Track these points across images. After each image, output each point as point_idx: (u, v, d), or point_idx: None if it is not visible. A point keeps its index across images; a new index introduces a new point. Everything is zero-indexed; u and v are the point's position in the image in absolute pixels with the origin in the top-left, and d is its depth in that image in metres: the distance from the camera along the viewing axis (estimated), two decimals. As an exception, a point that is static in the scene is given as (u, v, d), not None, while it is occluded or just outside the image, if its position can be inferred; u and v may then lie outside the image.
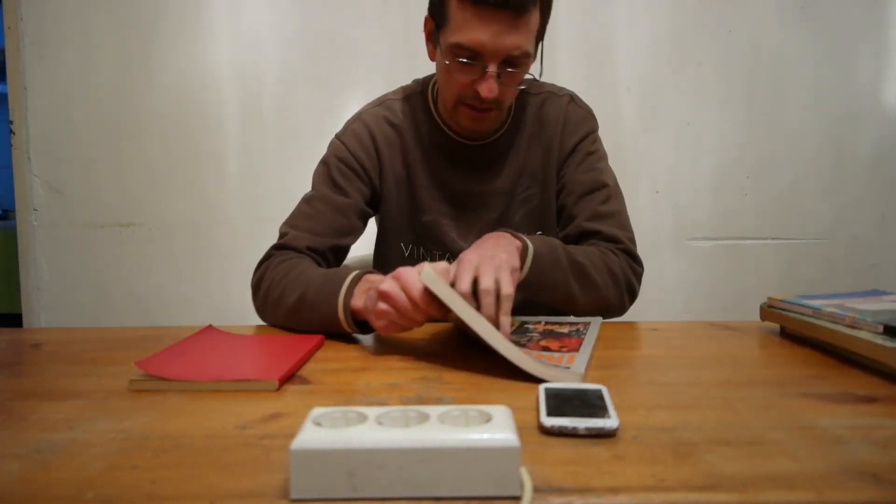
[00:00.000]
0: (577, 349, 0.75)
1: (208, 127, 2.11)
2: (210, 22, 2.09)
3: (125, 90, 2.10)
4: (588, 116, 1.15)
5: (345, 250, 1.09)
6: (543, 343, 0.78)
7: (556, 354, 0.73)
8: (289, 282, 0.93)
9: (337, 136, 1.13)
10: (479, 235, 1.06)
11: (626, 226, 1.07)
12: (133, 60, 2.09)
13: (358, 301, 0.84)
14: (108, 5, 2.08)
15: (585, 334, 0.82)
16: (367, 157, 1.10)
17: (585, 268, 0.94)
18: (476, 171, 1.12)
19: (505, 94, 0.99)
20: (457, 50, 0.95)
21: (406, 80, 1.18)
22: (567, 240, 1.07)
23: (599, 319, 0.92)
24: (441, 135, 1.11)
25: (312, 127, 2.08)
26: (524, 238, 0.90)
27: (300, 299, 0.90)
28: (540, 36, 0.99)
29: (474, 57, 0.94)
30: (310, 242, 1.03)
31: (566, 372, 0.66)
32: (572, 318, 0.93)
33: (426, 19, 1.03)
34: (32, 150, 2.13)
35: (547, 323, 0.89)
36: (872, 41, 2.08)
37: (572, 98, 1.15)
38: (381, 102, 1.14)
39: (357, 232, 1.10)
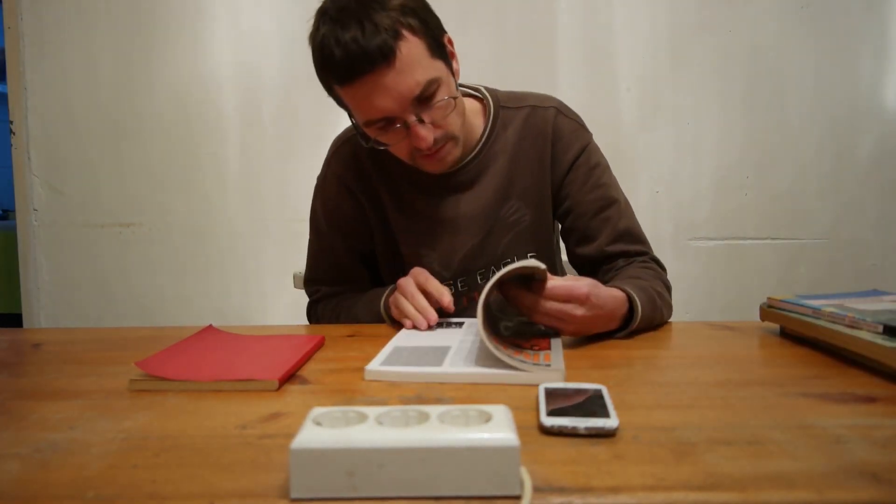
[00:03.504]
0: (548, 347, 0.75)
1: (208, 127, 2.11)
2: (210, 22, 2.09)
3: (125, 90, 2.10)
4: (580, 128, 1.08)
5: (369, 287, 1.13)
6: (514, 341, 0.78)
7: (531, 352, 0.73)
8: (342, 316, 1.08)
9: (320, 183, 1.13)
10: (461, 263, 1.06)
11: (643, 237, 1.07)
12: (133, 60, 2.10)
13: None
14: (108, 5, 2.08)
15: (551, 333, 0.83)
16: (349, 207, 1.09)
17: (664, 296, 0.94)
18: (447, 197, 1.05)
19: (444, 126, 0.93)
20: (372, 125, 0.91)
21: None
22: (589, 261, 1.06)
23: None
24: (407, 166, 1.02)
25: (312, 127, 2.08)
26: (634, 300, 0.85)
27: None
28: (435, 49, 0.90)
29: (391, 121, 0.90)
30: (339, 290, 1.12)
31: (548, 370, 0.66)
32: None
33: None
34: (32, 150, 2.13)
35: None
36: (872, 41, 2.08)
37: (559, 110, 1.07)
38: (348, 139, 1.10)
39: (366, 272, 1.16)
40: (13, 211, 2.25)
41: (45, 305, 2.18)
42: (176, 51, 2.09)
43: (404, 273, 1.01)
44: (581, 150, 1.06)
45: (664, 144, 2.10)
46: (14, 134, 2.12)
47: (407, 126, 0.90)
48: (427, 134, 0.90)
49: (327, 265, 1.14)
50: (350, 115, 0.96)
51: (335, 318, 1.10)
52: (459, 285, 1.08)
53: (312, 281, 1.16)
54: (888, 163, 2.12)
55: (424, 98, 0.89)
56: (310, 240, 1.16)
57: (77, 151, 2.12)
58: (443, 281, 1.02)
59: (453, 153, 0.98)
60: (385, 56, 0.83)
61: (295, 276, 1.32)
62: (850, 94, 2.10)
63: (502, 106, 1.08)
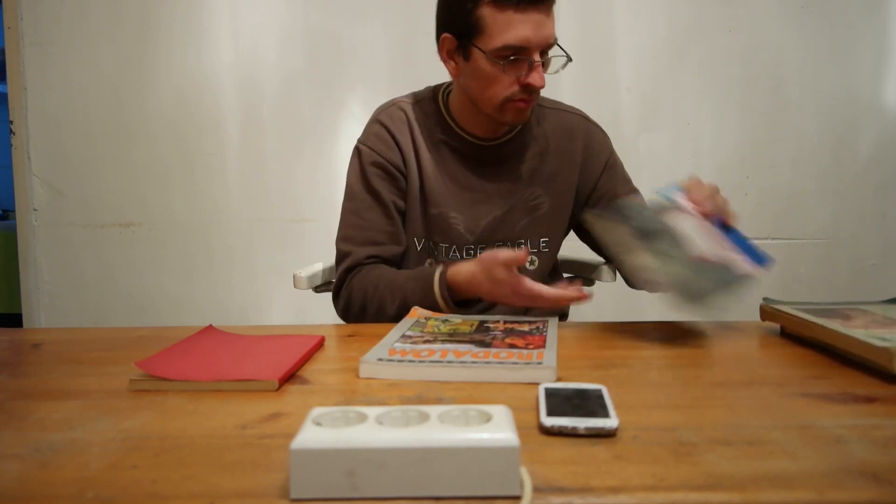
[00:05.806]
0: (542, 346, 0.76)
1: (208, 127, 2.11)
2: (210, 22, 2.09)
3: (125, 90, 2.10)
4: (606, 136, 1.23)
5: (401, 255, 1.15)
6: (509, 341, 0.79)
7: (525, 351, 0.73)
8: (383, 291, 1.04)
9: (362, 143, 1.16)
10: (484, 230, 1.15)
11: None
12: (133, 60, 2.09)
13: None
14: (108, 5, 2.08)
15: (546, 332, 0.83)
16: (393, 154, 1.14)
17: None
18: (483, 168, 1.15)
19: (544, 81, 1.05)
20: (503, 51, 0.99)
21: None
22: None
23: (556, 318, 0.93)
24: (451, 132, 1.15)
25: (312, 127, 2.08)
26: None
27: (401, 305, 1.01)
28: None
29: (518, 53, 1.00)
30: (372, 252, 1.10)
31: (539, 368, 0.67)
32: (530, 317, 0.94)
33: (444, 39, 1.05)
34: (32, 150, 2.13)
35: (506, 322, 0.90)
36: (872, 41, 2.08)
37: (585, 117, 1.22)
38: (394, 103, 1.18)
39: (401, 233, 1.16)
40: (13, 211, 2.25)
41: (45, 305, 2.18)
42: (175, 50, 2.09)
43: (428, 237, 1.15)
44: (610, 153, 1.22)
45: (664, 144, 2.10)
46: (14, 134, 2.12)
47: (530, 64, 1.00)
48: (543, 76, 1.02)
49: (363, 223, 1.12)
50: (464, 42, 1.03)
51: (373, 289, 1.05)
52: (479, 251, 1.15)
53: (345, 240, 1.13)
54: (888, 162, 2.11)
55: (546, 51, 1.03)
56: (343, 207, 1.16)
57: (77, 151, 2.12)
58: (466, 244, 1.15)
59: (529, 112, 1.09)
60: (551, 0, 1.00)
61: (295, 277, 1.32)
62: (850, 94, 2.09)
63: (537, 104, 1.17)
